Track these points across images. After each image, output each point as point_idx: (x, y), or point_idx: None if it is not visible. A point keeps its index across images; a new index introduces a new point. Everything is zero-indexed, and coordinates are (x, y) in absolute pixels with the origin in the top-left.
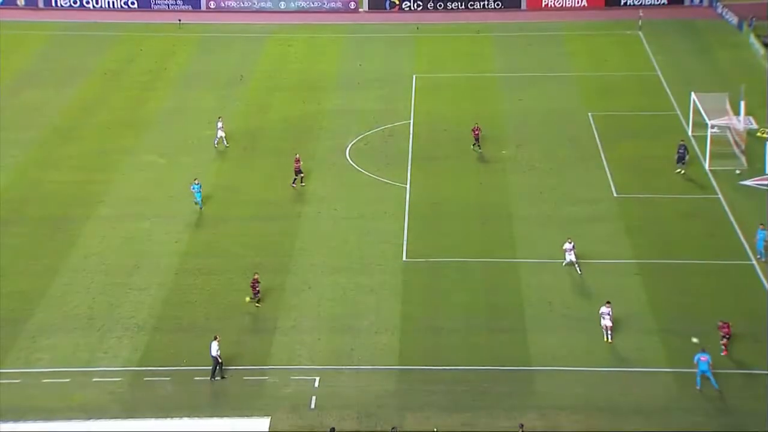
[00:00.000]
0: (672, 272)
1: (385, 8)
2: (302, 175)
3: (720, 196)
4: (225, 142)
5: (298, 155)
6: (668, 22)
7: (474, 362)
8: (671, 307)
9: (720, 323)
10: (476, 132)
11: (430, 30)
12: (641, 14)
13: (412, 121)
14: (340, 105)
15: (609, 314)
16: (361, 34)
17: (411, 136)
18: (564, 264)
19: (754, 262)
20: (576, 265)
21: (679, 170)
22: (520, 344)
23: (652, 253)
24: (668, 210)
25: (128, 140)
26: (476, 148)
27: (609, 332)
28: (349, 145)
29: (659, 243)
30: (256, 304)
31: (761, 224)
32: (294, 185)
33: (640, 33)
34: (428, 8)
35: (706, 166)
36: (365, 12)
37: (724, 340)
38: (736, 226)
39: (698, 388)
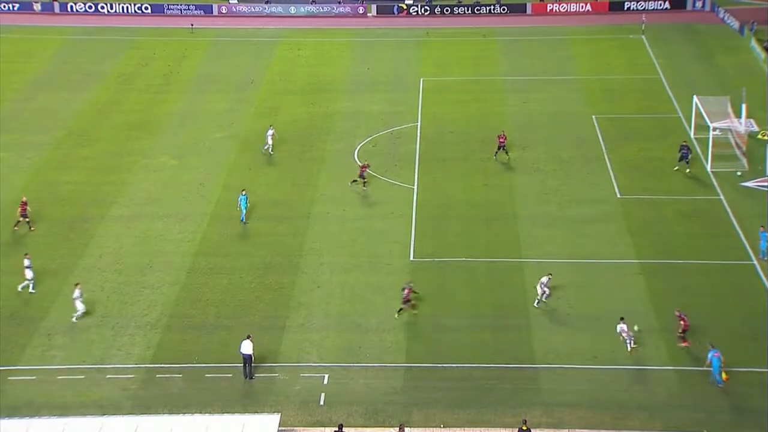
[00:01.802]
0: (674, 272)
1: (393, 13)
2: (359, 180)
3: (721, 197)
4: (271, 150)
5: (366, 162)
6: (671, 26)
7: (479, 360)
8: (673, 306)
9: (677, 314)
10: (502, 139)
11: (437, 34)
12: (644, 18)
13: (419, 124)
14: (348, 107)
15: (626, 330)
16: (370, 38)
17: (418, 138)
18: (537, 301)
19: (755, 262)
20: (542, 297)
21: (677, 168)
22: (524, 342)
23: (654, 253)
24: (670, 211)
25: (142, 142)
26: (503, 154)
27: (630, 343)
28: (358, 147)
29: (661, 243)
30: (396, 315)
31: (762, 226)
32: (365, 188)
33: (643, 37)
34: (435, 13)
35: (708, 168)
36: (373, 17)
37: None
38: (737, 227)
39: (720, 386)
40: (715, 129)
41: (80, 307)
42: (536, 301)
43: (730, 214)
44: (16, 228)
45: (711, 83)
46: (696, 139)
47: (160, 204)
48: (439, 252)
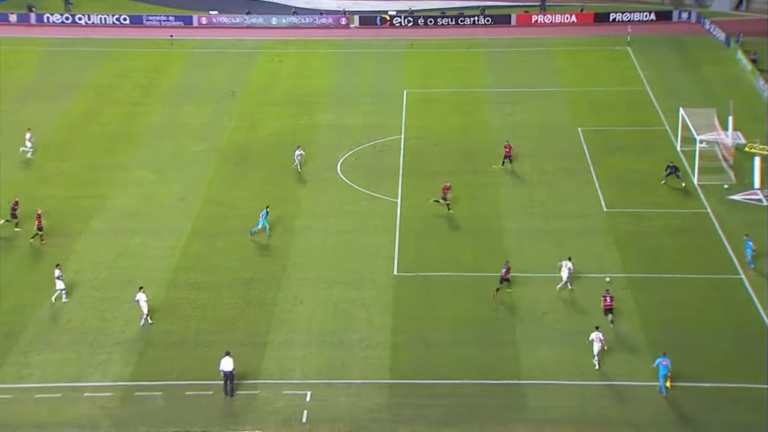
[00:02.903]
0: (661, 286)
1: (376, 24)
2: (441, 201)
3: (708, 210)
4: (299, 168)
5: (448, 183)
6: (657, 37)
7: (465, 376)
8: (660, 320)
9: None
10: (507, 149)
11: (421, 45)
12: (630, 30)
13: (402, 136)
14: (331, 120)
15: (600, 339)
16: (352, 49)
17: (402, 150)
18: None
19: (743, 275)
20: (568, 283)
21: (664, 182)
22: (511, 358)
23: (641, 267)
24: (657, 224)
25: (120, 156)
26: (507, 164)
27: (598, 360)
28: (341, 160)
29: (648, 257)
30: (494, 294)
31: (746, 234)
32: (440, 204)
33: (629, 48)
34: (419, 24)
35: (695, 181)
36: (356, 28)
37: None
38: (724, 240)
39: (664, 395)
40: (701, 141)
41: (145, 309)
42: (566, 284)
43: (717, 227)
44: (43, 241)
45: (697, 95)
46: (683, 151)
47: (139, 219)
48: (423, 266)
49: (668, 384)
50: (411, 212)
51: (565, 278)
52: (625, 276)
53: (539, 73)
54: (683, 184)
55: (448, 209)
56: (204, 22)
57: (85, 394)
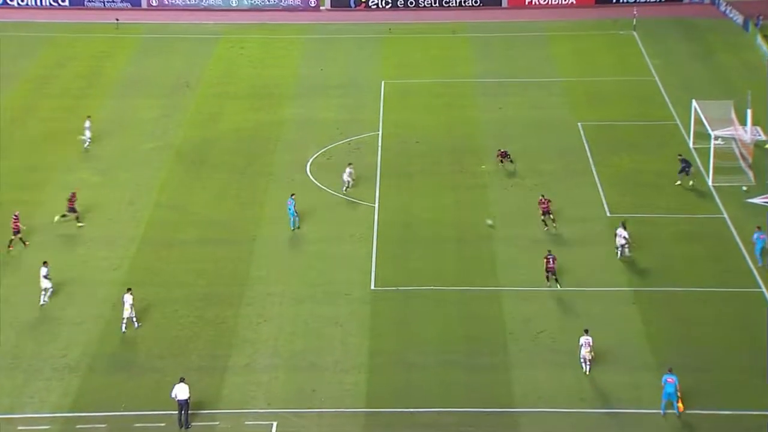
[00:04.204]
0: (672, 301)
1: (350, 6)
2: (547, 218)
3: (725, 215)
4: (346, 187)
5: (543, 196)
6: (666, 21)
7: (451, 403)
8: (671, 340)
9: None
10: (501, 154)
11: (401, 30)
12: (636, 13)
13: (380, 133)
14: (299, 115)
15: (589, 344)
16: (323, 34)
17: (379, 149)
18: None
19: (763, 288)
20: (625, 248)
21: (679, 182)
22: (502, 383)
23: (649, 279)
24: (667, 231)
25: (60, 155)
26: (510, 164)
27: (587, 364)
28: (310, 160)
29: (657, 268)
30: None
31: (758, 227)
32: (547, 228)
33: (634, 33)
34: (398, 6)
35: (710, 182)
36: (327, 10)
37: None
38: (742, 249)
39: (662, 413)
40: (717, 138)
41: (126, 313)
42: (619, 253)
43: (735, 234)
44: (26, 243)
45: (712, 86)
46: (695, 149)
47: (82, 226)
48: (404, 279)
49: (680, 405)
50: (390, 218)
51: (620, 244)
52: (631, 289)
53: (534, 61)
54: (691, 183)
55: (545, 227)
56: (154, 4)
57: (19, 427)
